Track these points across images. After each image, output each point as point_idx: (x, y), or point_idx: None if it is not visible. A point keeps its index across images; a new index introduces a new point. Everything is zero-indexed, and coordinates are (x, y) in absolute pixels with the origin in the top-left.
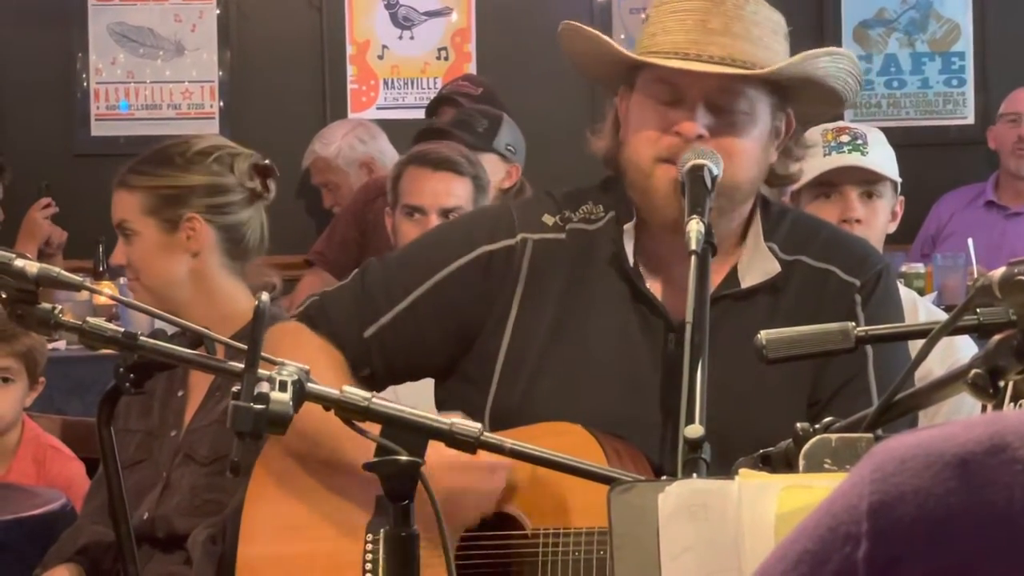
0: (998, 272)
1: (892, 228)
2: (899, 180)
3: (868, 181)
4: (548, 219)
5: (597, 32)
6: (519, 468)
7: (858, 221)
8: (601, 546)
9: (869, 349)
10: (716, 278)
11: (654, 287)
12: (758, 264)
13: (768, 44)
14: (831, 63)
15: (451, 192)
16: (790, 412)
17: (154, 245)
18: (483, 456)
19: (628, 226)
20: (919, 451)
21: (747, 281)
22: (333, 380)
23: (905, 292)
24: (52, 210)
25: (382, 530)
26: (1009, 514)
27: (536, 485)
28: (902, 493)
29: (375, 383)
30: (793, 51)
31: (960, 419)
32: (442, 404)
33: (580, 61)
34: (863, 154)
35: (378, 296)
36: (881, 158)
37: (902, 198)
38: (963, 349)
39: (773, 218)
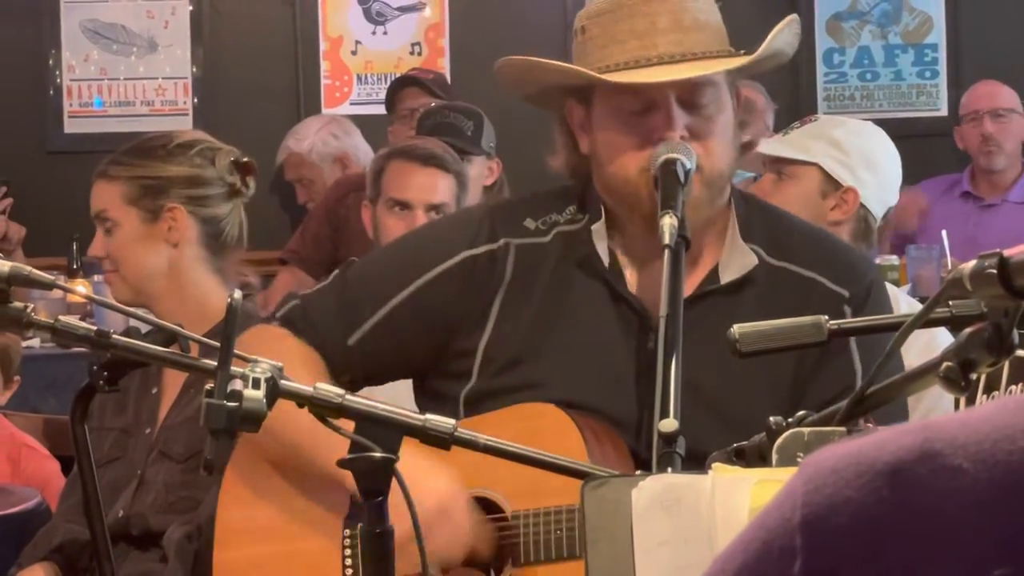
0: (968, 265)
1: (835, 216)
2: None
3: (772, 160)
4: (530, 223)
5: (542, 60)
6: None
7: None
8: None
9: (858, 361)
10: (699, 274)
11: (633, 285)
12: (737, 259)
13: (714, 26)
14: (789, 32)
15: (437, 188)
16: (772, 412)
17: (135, 235)
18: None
19: (597, 227)
20: (850, 461)
21: (726, 276)
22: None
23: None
24: (7, 202)
25: (358, 526)
26: (941, 521)
27: (511, 468)
28: (834, 504)
29: (354, 387)
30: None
31: (894, 426)
32: (421, 402)
33: (523, 88)
34: (784, 134)
35: (360, 302)
36: (798, 143)
37: (852, 188)
38: (944, 346)
39: (743, 211)
